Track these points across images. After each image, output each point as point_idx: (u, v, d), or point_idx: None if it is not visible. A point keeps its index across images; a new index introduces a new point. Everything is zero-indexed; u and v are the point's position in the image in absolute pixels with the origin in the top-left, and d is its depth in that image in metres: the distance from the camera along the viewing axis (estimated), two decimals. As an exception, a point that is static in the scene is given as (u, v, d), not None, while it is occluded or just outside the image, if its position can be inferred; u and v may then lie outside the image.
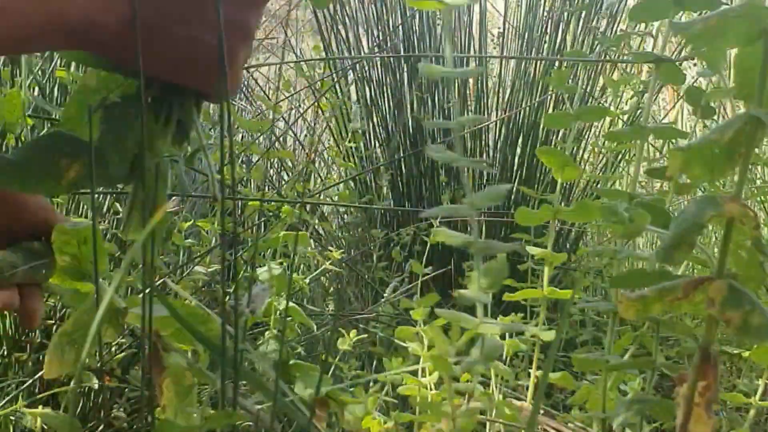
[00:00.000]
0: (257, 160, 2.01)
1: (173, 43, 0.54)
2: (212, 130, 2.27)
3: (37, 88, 1.54)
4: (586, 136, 2.50)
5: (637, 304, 0.54)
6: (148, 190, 0.55)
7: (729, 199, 0.49)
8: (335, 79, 2.43)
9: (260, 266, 1.13)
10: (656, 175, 0.63)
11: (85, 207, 1.56)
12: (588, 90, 2.47)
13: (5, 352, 1.42)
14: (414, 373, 1.02)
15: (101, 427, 1.35)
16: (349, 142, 2.31)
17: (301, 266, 2.04)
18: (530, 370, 1.10)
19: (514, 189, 2.50)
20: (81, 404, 1.38)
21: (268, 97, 2.30)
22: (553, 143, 2.46)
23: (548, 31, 2.61)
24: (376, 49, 2.64)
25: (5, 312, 1.45)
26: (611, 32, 2.49)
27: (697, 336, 0.63)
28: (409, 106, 2.61)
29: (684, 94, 0.64)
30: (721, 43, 0.48)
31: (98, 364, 1.20)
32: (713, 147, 0.49)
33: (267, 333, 1.12)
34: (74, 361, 0.60)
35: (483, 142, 2.60)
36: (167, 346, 0.60)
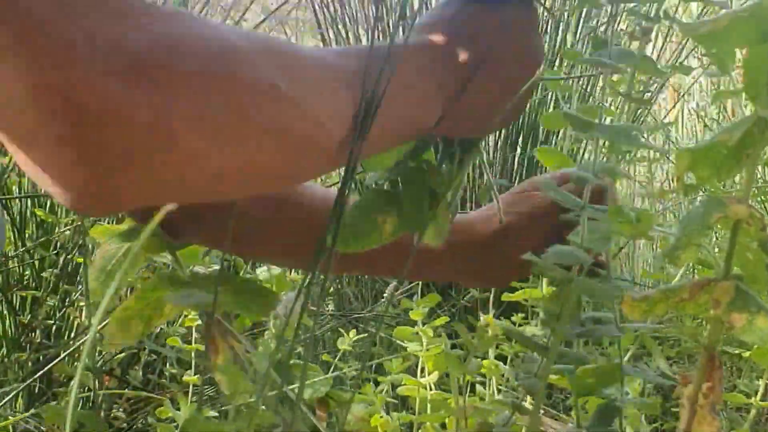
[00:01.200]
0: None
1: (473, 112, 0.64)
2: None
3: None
4: (586, 136, 2.50)
5: (642, 304, 0.54)
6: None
7: (736, 201, 0.49)
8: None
9: (260, 266, 1.13)
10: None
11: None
12: (588, 89, 2.46)
13: (5, 353, 1.41)
14: (413, 372, 1.01)
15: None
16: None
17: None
18: (531, 371, 1.09)
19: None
20: (81, 404, 1.38)
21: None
22: (553, 143, 2.46)
23: (548, 31, 2.60)
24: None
25: (5, 312, 1.45)
26: (611, 32, 2.48)
27: (700, 337, 0.62)
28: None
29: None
30: (731, 43, 0.48)
31: (98, 364, 1.20)
32: (721, 148, 0.48)
33: (266, 333, 1.12)
34: (141, 333, 0.64)
35: (483, 142, 2.60)
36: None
